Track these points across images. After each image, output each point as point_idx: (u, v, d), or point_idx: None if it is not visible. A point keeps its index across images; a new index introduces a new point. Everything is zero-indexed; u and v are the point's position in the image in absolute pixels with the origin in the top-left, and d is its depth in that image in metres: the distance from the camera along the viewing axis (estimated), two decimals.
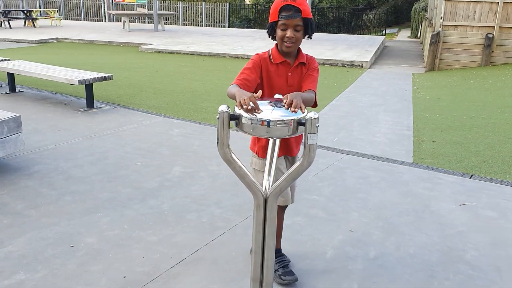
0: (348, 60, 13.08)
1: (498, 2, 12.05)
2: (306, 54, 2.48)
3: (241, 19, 25.83)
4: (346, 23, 24.91)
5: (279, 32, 2.30)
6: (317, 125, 1.99)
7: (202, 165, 4.46)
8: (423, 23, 20.09)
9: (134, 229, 3.21)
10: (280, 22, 2.27)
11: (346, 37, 19.41)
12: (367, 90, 9.22)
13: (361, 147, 5.25)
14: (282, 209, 2.65)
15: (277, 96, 2.39)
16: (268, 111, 1.98)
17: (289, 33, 2.27)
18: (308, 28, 2.31)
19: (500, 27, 12.19)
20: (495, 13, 12.16)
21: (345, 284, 2.66)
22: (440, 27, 12.75)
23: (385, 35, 22.05)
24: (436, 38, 12.63)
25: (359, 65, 12.81)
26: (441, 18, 12.75)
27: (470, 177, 4.39)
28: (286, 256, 2.79)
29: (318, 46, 15.39)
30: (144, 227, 3.24)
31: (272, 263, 2.18)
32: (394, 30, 26.98)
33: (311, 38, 2.38)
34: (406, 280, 2.72)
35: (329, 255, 2.96)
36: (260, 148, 2.53)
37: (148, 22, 25.18)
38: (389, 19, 27.72)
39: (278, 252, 2.78)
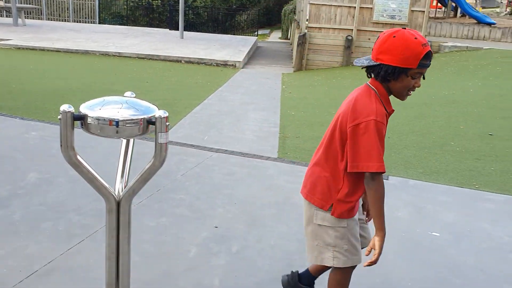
0: (222, 59, 13.27)
1: (355, 7, 13.11)
2: None
3: (112, 15, 24.79)
4: (220, 23, 25.24)
5: (408, 81, 1.90)
6: (167, 123, 1.97)
7: (61, 170, 4.18)
8: (292, 24, 21.11)
9: None
10: (416, 71, 1.88)
11: (220, 36, 19.67)
12: (239, 89, 9.44)
13: (230, 144, 5.35)
14: None
15: (127, 93, 2.32)
16: (115, 110, 1.91)
17: (419, 82, 1.93)
18: None
19: (357, 29, 13.29)
20: (353, 16, 13.23)
21: (206, 281, 2.68)
22: (306, 29, 13.51)
23: (257, 36, 22.75)
24: (302, 40, 13.35)
25: (232, 65, 13.06)
26: (306, 20, 13.51)
27: None
28: None
29: (192, 45, 15.39)
30: None
31: (128, 269, 2.11)
32: (267, 31, 27.99)
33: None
34: (266, 271, 2.82)
35: (192, 253, 2.96)
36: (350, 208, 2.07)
37: (7, 16, 23.01)
38: (261, 20, 28.68)
39: (312, 279, 2.50)
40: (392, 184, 4.36)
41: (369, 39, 13.32)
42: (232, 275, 2.76)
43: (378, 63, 1.90)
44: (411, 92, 1.95)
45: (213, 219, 3.43)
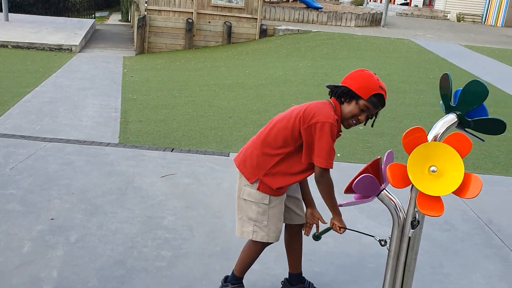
0: (56, 43, 12.37)
1: None
2: None
3: None
4: (52, 5, 23.28)
5: (355, 109, 2.15)
6: None
7: None
8: (132, 7, 20.45)
9: None
10: (364, 102, 2.13)
11: (53, 19, 18.18)
12: (76, 74, 8.94)
13: (66, 132, 5.09)
14: (301, 230, 2.49)
15: None
16: None
17: (362, 117, 2.16)
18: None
19: (197, 13, 13.44)
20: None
21: (43, 274, 2.59)
22: (145, 11, 13.23)
23: (95, 18, 21.60)
24: (142, 22, 13.07)
25: (68, 49, 12.26)
26: (145, 3, 13.23)
27: (172, 151, 4.79)
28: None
29: (20, 29, 14.02)
30: None
31: None
32: (105, 13, 26.66)
33: (365, 125, 2.28)
34: (107, 256, 2.82)
35: (26, 248, 2.81)
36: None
37: None
38: (99, 2, 27.19)
39: (299, 276, 2.57)
40: (231, 160, 4.61)
41: (209, 22, 13.59)
42: (72, 264, 2.70)
43: (341, 85, 2.19)
44: (354, 123, 2.20)
45: (49, 211, 3.28)
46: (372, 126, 2.30)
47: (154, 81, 8.76)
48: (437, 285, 2.82)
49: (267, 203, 2.25)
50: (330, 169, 2.14)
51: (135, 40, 13.60)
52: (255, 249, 2.37)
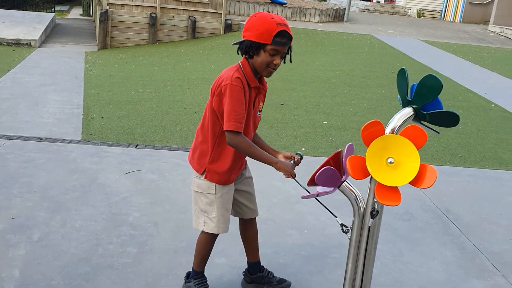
0: (14, 38, 12.00)
1: None
2: None
3: None
4: None
5: (266, 57, 2.10)
6: None
7: None
8: (93, 1, 20.00)
9: None
10: (271, 47, 2.08)
11: (10, 12, 17.59)
12: (36, 70, 8.71)
13: (27, 130, 4.98)
14: (254, 220, 2.55)
15: None
16: None
17: (277, 60, 2.11)
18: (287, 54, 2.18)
19: (161, 7, 13.27)
20: None
21: (5, 274, 2.54)
22: (107, 5, 12.97)
23: (55, 12, 21.03)
24: (104, 17, 12.81)
25: (27, 44, 11.91)
26: None
27: (136, 147, 4.75)
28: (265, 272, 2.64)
29: None
30: None
31: None
32: (66, 7, 25.96)
33: (285, 63, 2.20)
34: (71, 254, 2.79)
35: None
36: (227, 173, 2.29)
37: None
38: None
39: (258, 265, 2.61)
40: None
41: (173, 16, 13.45)
42: (35, 263, 2.66)
43: (243, 39, 2.13)
44: (273, 69, 2.14)
45: (9, 210, 3.21)
46: (290, 61, 2.21)
47: (117, 76, 8.63)
48: (397, 273, 2.92)
49: (213, 193, 2.28)
50: (241, 132, 2.11)
51: (97, 35, 13.32)
52: (206, 240, 2.40)
